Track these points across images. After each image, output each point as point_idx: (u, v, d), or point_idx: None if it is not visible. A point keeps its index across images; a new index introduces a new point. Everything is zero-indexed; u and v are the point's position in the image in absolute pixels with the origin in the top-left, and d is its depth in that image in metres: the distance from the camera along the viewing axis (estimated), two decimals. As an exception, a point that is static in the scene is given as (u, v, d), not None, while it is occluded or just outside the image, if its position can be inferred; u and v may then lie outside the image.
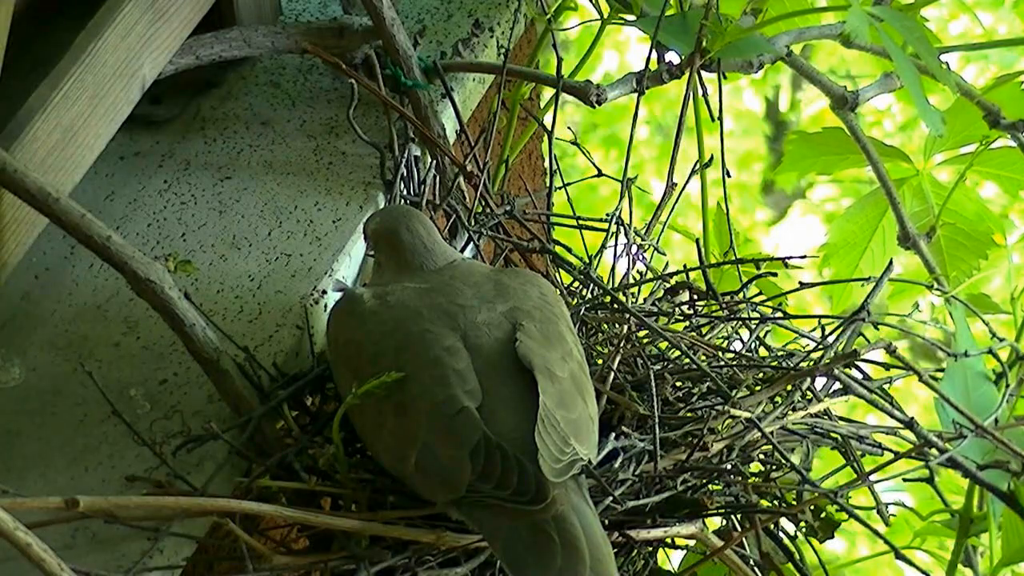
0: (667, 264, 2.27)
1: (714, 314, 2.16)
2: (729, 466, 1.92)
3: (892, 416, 1.99)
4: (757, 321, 2.13)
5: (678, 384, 2.01)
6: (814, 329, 2.14)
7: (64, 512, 1.62)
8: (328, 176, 2.25)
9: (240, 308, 2.08)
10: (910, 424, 1.97)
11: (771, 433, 1.91)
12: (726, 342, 2.14)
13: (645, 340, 2.04)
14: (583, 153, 2.42)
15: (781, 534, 2.01)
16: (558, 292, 1.96)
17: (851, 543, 4.94)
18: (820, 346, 2.08)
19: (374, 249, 2.01)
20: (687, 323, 2.14)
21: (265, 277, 2.12)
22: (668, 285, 2.21)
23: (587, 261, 2.22)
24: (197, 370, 1.94)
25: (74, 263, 2.15)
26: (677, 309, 2.16)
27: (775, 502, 1.98)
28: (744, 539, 1.94)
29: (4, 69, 1.88)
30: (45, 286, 2.13)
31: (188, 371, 2.00)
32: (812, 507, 1.96)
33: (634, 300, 2.20)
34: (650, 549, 1.95)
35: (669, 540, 1.91)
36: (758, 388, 2.00)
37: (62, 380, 2.02)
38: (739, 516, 1.97)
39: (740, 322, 2.14)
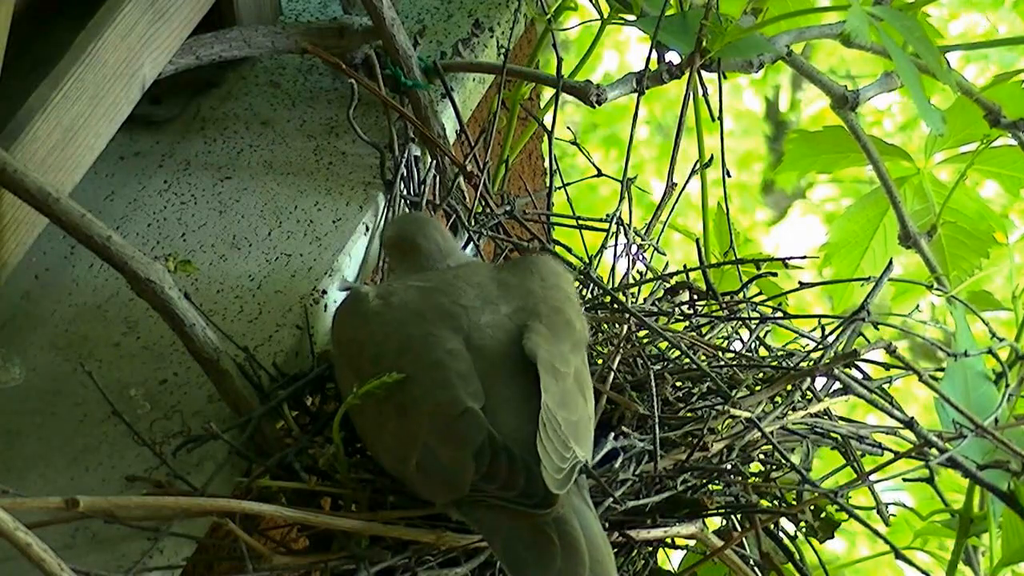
0: (667, 264, 2.27)
1: (714, 314, 2.16)
2: (729, 466, 1.92)
3: (892, 416, 1.99)
4: (757, 321, 2.13)
5: (678, 384, 2.01)
6: (814, 329, 2.14)
7: (64, 512, 1.62)
8: (328, 176, 2.25)
9: (240, 308, 2.09)
10: (910, 424, 1.97)
11: (771, 433, 1.91)
12: (726, 342, 2.14)
13: (645, 340, 2.04)
14: (583, 153, 2.42)
15: (781, 534, 2.01)
16: (561, 268, 1.95)
17: (851, 543, 4.94)
18: (820, 346, 2.08)
19: (391, 256, 2.01)
20: (687, 323, 2.14)
21: (265, 277, 2.12)
22: (668, 285, 2.21)
23: (587, 261, 2.21)
24: (197, 370, 1.94)
25: (74, 263, 2.15)
26: (677, 309, 2.16)
27: (775, 502, 1.98)
28: (744, 539, 1.94)
29: (4, 69, 1.88)
30: (45, 286, 2.13)
31: (188, 371, 2.00)
32: (812, 507, 1.96)
33: (634, 300, 2.20)
34: (650, 549, 1.94)
35: (669, 540, 1.91)
36: (758, 388, 2.00)
37: (62, 380, 2.02)
38: (739, 516, 1.97)
39: (740, 322, 2.14)
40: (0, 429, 1.97)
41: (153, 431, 1.93)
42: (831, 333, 2.08)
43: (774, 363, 2.05)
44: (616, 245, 2.23)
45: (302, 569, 1.79)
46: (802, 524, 2.00)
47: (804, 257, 2.25)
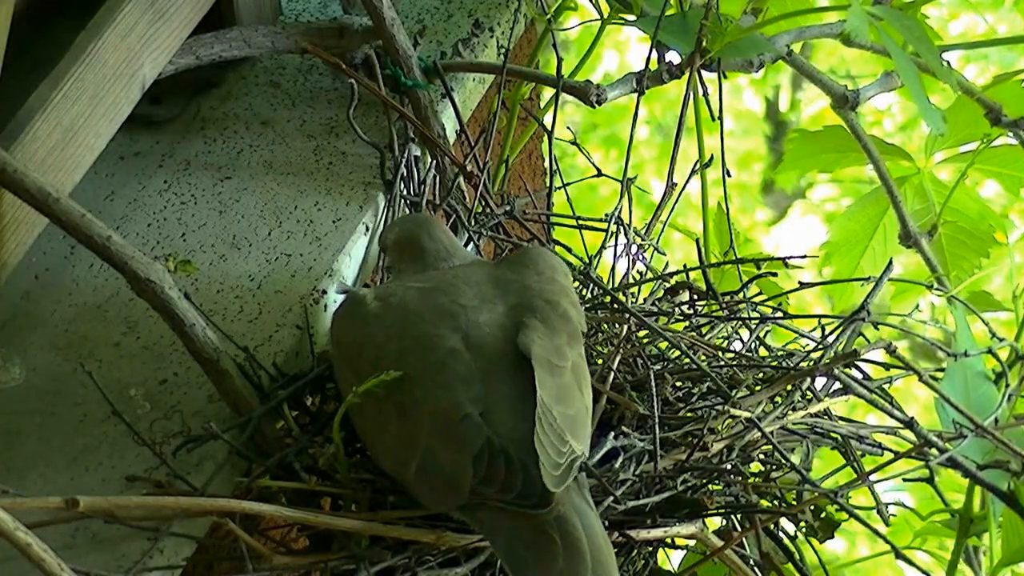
0: (667, 264, 2.27)
1: (714, 314, 2.16)
2: (729, 466, 1.92)
3: (892, 416, 1.99)
4: (757, 321, 2.12)
5: (678, 384, 2.01)
6: (814, 329, 2.14)
7: (64, 512, 1.62)
8: (328, 176, 2.25)
9: (240, 308, 2.08)
10: (910, 424, 1.97)
11: (771, 433, 1.91)
12: (726, 342, 2.14)
13: (645, 340, 2.04)
14: (583, 153, 2.42)
15: (781, 534, 2.01)
16: (557, 260, 1.96)
17: (851, 543, 4.94)
18: (820, 346, 2.08)
19: (395, 258, 2.01)
20: (687, 323, 2.14)
21: (265, 277, 2.12)
22: (668, 285, 2.20)
23: (587, 261, 2.21)
24: (197, 370, 1.94)
25: (74, 263, 2.15)
26: (677, 309, 2.16)
27: (775, 502, 1.97)
28: (744, 539, 1.94)
29: (4, 69, 1.88)
30: (45, 286, 2.13)
31: (188, 371, 2.00)
32: (812, 507, 1.96)
33: (634, 300, 2.20)
34: (650, 549, 1.94)
35: (669, 540, 1.91)
36: (758, 388, 2.00)
37: (62, 380, 2.02)
38: (739, 516, 1.97)
39: (740, 322, 2.14)
40: (0, 429, 1.97)
41: (153, 431, 1.93)
42: (831, 333, 2.08)
43: (774, 363, 2.05)
44: (616, 245, 2.23)
45: (302, 569, 1.79)
46: (802, 524, 2.00)
47: (804, 257, 2.25)
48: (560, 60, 2.29)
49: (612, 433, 1.85)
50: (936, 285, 2.35)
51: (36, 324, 2.09)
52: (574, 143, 2.42)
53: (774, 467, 1.98)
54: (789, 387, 1.98)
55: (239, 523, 1.71)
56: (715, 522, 1.98)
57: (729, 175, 2.33)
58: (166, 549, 1.81)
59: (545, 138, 2.30)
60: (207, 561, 1.88)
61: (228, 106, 2.37)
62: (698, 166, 2.34)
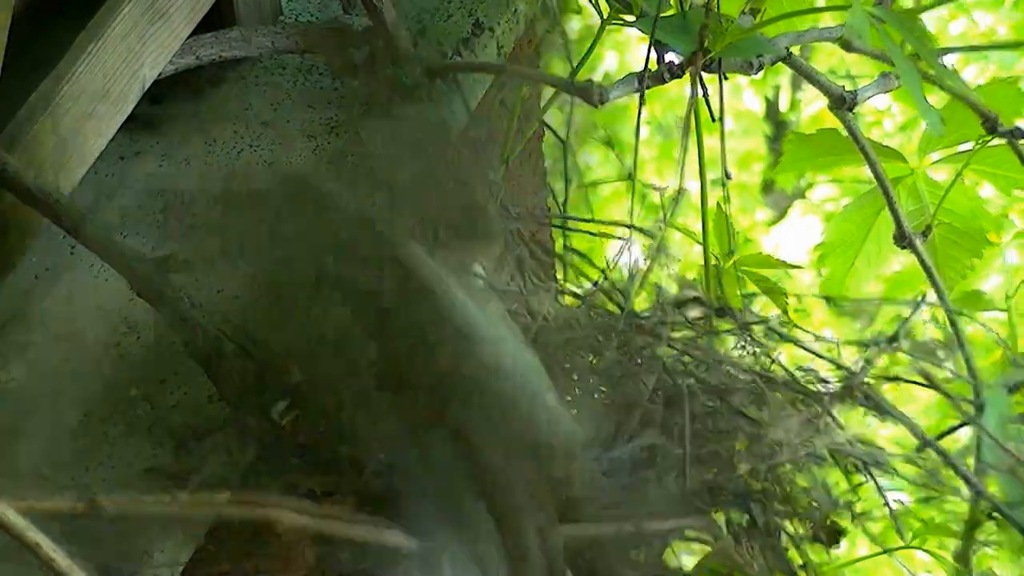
0: (680, 276, 2.25)
1: (731, 333, 2.14)
2: (751, 486, 1.91)
3: (918, 437, 1.96)
4: (776, 339, 2.10)
5: (705, 403, 2.00)
6: (831, 349, 2.12)
7: (67, 511, 1.62)
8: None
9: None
10: (931, 444, 1.95)
11: (793, 453, 1.90)
12: (745, 360, 2.12)
13: (669, 358, 2.02)
14: (616, 156, 2.41)
15: (786, 540, 2.01)
16: None
17: (851, 543, 4.94)
18: (842, 367, 2.06)
19: None
20: (705, 341, 2.12)
21: (265, 277, 2.12)
22: (680, 300, 2.18)
23: (603, 270, 2.20)
24: (197, 370, 1.94)
25: (74, 263, 2.15)
26: (695, 328, 2.14)
27: (786, 507, 1.97)
28: (752, 548, 1.94)
29: (4, 69, 1.88)
30: (45, 286, 2.13)
31: (188, 371, 2.00)
32: (819, 514, 1.96)
33: (647, 315, 2.18)
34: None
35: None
36: (779, 408, 1.98)
37: (62, 380, 2.02)
38: (747, 523, 1.96)
39: (758, 345, 2.12)
40: (0, 429, 1.97)
41: (153, 431, 1.93)
42: (859, 358, 2.06)
43: (795, 383, 2.03)
44: (631, 254, 2.22)
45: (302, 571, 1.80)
46: (808, 531, 1.99)
47: (800, 267, 2.24)
48: (571, 61, 2.29)
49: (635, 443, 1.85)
50: (936, 297, 2.34)
51: (36, 324, 2.09)
52: (608, 144, 2.41)
53: (791, 484, 1.97)
54: (810, 408, 1.96)
55: (239, 523, 1.71)
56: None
57: (729, 177, 2.33)
58: (166, 549, 1.81)
59: (546, 138, 2.30)
60: (207, 561, 1.88)
61: (228, 106, 2.37)
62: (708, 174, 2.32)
